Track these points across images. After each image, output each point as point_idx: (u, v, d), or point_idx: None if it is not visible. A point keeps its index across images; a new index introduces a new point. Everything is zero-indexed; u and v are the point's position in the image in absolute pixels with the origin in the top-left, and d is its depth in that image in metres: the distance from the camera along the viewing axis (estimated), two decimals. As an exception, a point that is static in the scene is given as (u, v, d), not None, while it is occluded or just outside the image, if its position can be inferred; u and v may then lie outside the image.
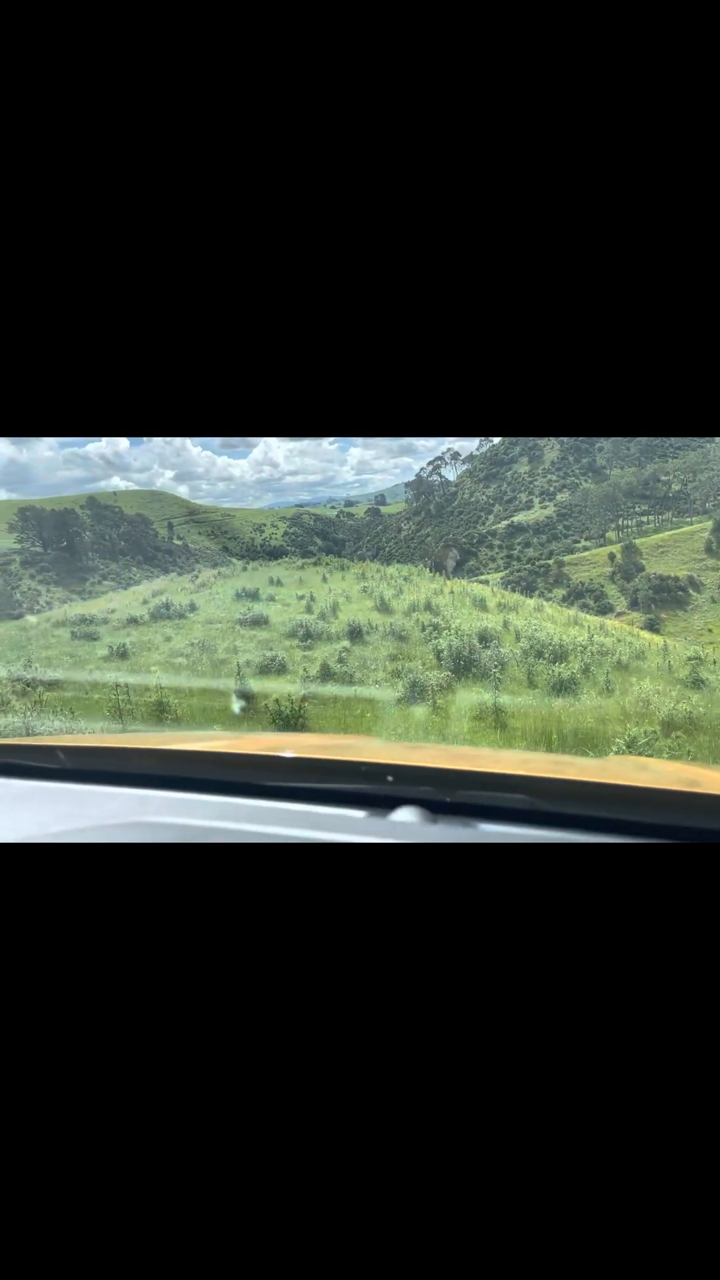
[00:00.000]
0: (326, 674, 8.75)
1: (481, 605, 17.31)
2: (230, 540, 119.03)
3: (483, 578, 45.49)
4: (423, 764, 0.94)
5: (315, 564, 23.98)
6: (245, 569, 24.08)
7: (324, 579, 20.06)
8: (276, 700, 6.54)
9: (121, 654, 10.57)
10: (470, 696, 7.86)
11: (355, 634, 11.99)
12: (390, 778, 0.85)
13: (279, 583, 19.74)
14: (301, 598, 16.67)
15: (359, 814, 0.83)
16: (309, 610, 15.12)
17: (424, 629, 12.42)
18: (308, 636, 11.89)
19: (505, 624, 14.02)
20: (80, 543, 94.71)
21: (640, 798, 0.87)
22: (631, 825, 0.77)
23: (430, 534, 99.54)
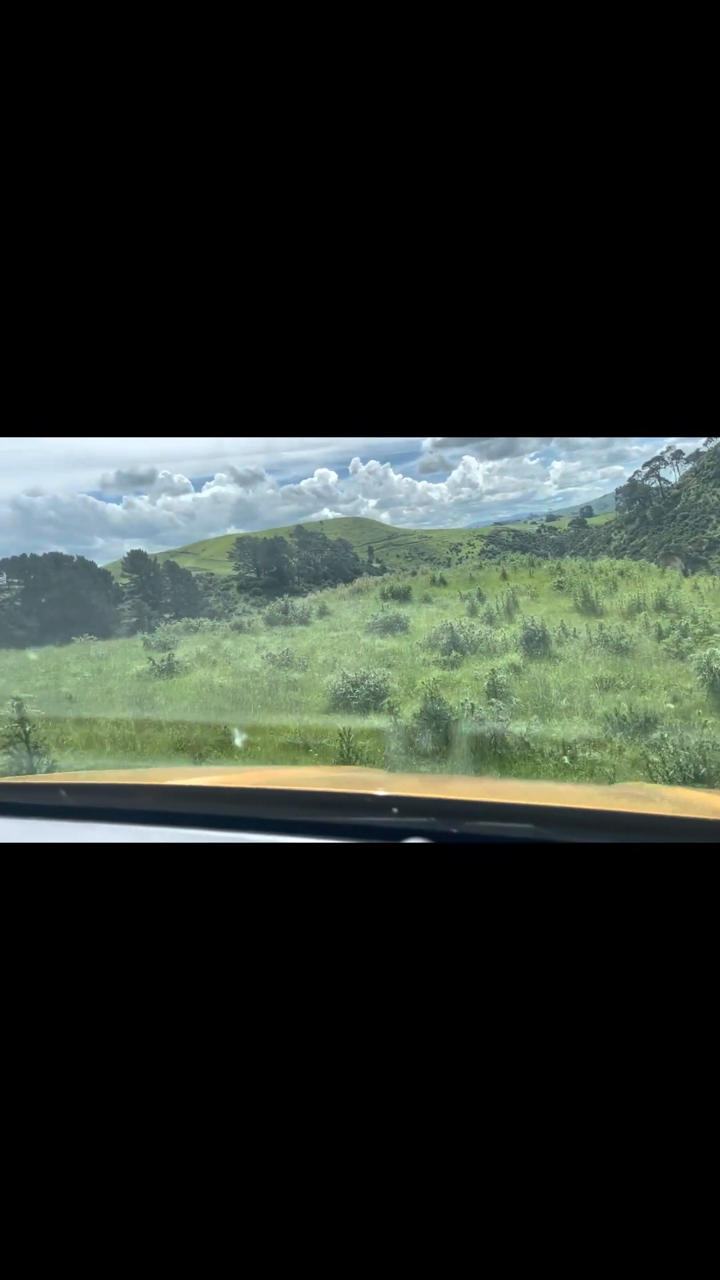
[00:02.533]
0: (434, 722, 4.03)
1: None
2: (425, 560, 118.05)
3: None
4: (427, 795, 0.90)
5: (496, 562, 19.06)
6: (413, 574, 20.05)
7: (504, 576, 15.15)
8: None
9: (165, 669, 7.09)
10: None
11: (535, 643, 7.12)
12: (395, 810, 0.84)
13: (442, 582, 15.30)
14: (465, 597, 12.08)
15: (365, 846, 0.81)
16: (471, 612, 10.49)
17: (661, 635, 7.09)
18: (454, 647, 7.31)
19: None
20: (288, 568, 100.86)
21: (649, 825, 0.85)
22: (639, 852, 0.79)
23: (646, 543, 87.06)
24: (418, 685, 5.61)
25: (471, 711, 4.13)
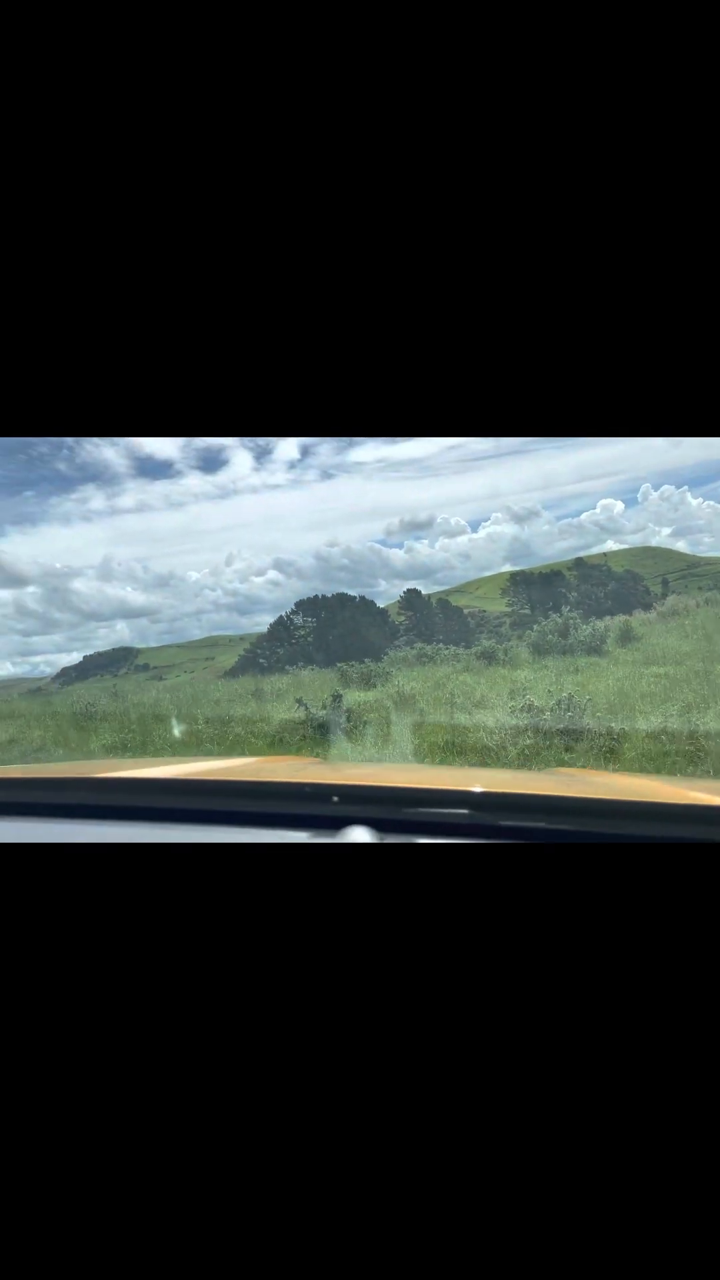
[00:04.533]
0: None
1: None
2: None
3: None
4: (367, 783, 0.92)
5: None
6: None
7: None
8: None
9: (319, 725, 3.64)
10: None
11: None
12: (335, 798, 0.85)
13: None
14: None
15: (303, 835, 0.81)
16: None
17: None
18: None
19: None
20: (566, 604, 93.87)
21: (582, 808, 0.87)
22: (572, 835, 0.80)
23: None
24: None
25: None
